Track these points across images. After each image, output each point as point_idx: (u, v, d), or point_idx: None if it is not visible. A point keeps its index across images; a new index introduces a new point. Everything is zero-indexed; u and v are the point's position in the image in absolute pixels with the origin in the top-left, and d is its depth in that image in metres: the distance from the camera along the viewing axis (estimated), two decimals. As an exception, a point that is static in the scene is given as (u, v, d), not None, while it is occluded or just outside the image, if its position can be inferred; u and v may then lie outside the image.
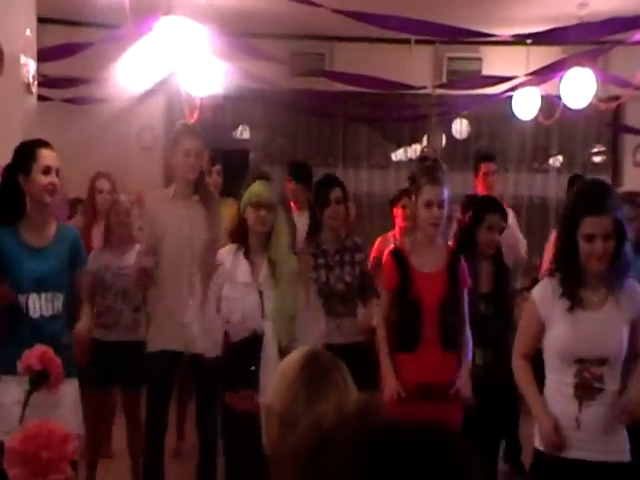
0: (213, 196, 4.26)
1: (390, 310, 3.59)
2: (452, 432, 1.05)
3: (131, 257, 4.25)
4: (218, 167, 5.40)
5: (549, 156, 8.21)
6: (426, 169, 3.55)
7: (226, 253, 3.49)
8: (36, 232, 3.38)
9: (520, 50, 6.93)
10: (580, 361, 2.67)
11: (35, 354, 2.04)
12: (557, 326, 2.70)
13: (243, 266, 3.42)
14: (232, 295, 3.40)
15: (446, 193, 3.43)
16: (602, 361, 2.67)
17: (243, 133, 8.44)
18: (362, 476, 0.98)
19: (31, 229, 3.38)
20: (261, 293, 3.38)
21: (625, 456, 2.73)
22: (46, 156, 3.36)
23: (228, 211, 4.94)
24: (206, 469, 4.03)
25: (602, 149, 8.18)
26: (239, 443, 3.39)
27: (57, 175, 3.38)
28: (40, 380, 2.10)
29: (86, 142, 6.92)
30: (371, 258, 5.41)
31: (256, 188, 3.44)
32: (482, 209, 4.12)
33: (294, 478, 1.24)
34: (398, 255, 3.51)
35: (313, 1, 4.76)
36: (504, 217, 4.21)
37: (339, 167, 8.14)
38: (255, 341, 3.35)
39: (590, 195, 2.70)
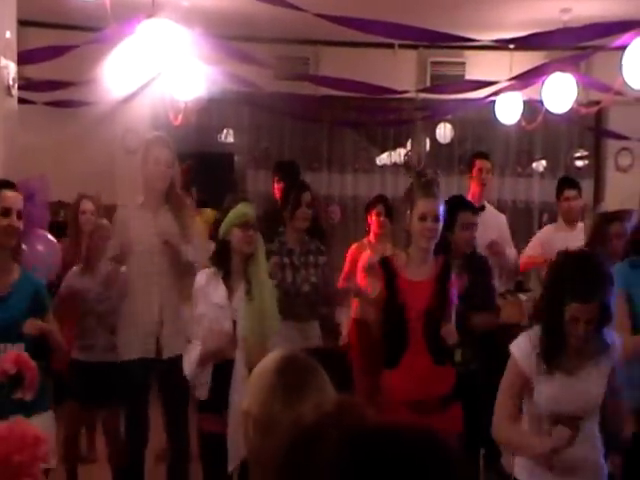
0: (185, 205, 4.19)
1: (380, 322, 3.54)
2: (434, 434, 1.06)
3: None
4: (193, 192, 5.29)
5: (532, 160, 8.25)
6: (422, 184, 3.51)
7: (203, 274, 3.45)
8: None
9: (503, 55, 6.97)
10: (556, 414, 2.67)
11: (9, 358, 2.03)
12: (536, 385, 2.68)
13: (220, 290, 3.37)
14: (205, 314, 3.35)
15: (441, 207, 3.43)
16: (578, 417, 2.65)
17: (228, 136, 8.44)
18: (346, 476, 0.99)
19: None
20: (234, 322, 3.33)
21: None
22: (6, 197, 3.23)
23: (206, 218, 4.92)
24: (177, 473, 4.02)
25: (585, 153, 8.23)
26: (215, 461, 3.33)
27: (19, 217, 3.23)
28: (15, 384, 2.10)
29: (70, 145, 6.90)
30: (346, 265, 5.42)
31: (242, 209, 3.39)
32: (454, 208, 4.00)
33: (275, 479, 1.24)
34: (386, 264, 3.50)
35: (296, 5, 4.75)
36: (475, 213, 4.20)
37: (324, 171, 8.16)
38: (226, 365, 3.28)
39: (579, 279, 2.54)
